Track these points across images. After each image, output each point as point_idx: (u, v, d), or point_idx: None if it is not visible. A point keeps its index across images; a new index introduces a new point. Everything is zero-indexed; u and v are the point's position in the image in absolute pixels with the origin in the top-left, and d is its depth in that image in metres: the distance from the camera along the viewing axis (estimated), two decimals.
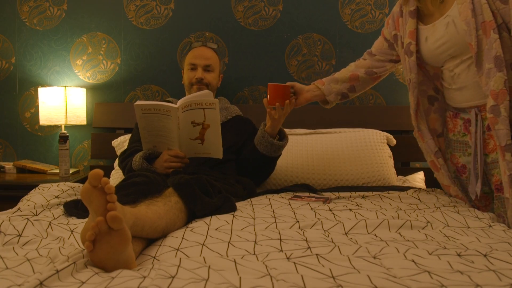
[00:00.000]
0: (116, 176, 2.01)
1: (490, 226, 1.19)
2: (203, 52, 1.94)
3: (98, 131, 2.39)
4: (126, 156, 1.73)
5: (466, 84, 1.40)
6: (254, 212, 1.35)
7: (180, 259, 0.86)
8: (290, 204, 1.45)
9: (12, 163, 2.31)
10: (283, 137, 1.72)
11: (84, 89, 2.34)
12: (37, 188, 1.59)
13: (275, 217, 1.27)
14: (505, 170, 1.30)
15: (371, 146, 2.01)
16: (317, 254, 0.92)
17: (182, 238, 1.04)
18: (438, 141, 1.57)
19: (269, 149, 1.68)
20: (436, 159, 1.52)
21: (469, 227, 1.18)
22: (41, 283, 0.75)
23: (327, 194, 1.62)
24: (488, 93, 1.30)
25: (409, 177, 2.12)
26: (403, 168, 2.28)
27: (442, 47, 1.41)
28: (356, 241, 1.05)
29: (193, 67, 1.92)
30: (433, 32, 1.42)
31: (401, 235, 1.09)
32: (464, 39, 1.33)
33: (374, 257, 0.91)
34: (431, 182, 2.24)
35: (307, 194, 1.63)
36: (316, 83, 1.70)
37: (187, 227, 1.15)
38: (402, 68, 2.32)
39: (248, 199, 1.59)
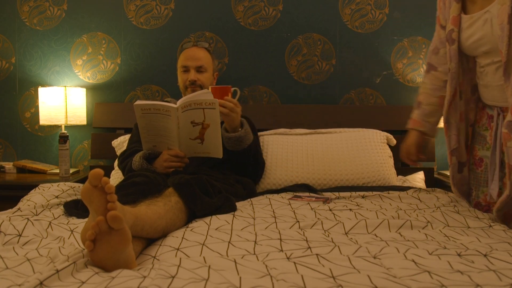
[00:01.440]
0: (116, 176, 2.01)
1: (490, 226, 1.19)
2: (194, 53, 1.92)
3: (98, 131, 2.39)
4: (126, 157, 1.73)
5: (491, 84, 1.36)
6: (254, 212, 1.35)
7: (180, 259, 0.86)
8: (290, 204, 1.45)
9: (12, 163, 2.31)
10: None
11: (84, 89, 2.34)
12: (37, 188, 1.59)
13: (275, 217, 1.27)
14: (508, 188, 1.25)
15: (371, 146, 2.01)
16: (317, 254, 0.92)
17: (182, 238, 1.04)
18: (472, 131, 1.50)
19: (231, 143, 1.68)
20: (450, 156, 1.47)
21: (469, 227, 1.18)
22: (41, 283, 0.75)
23: (327, 194, 1.62)
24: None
25: (409, 177, 2.12)
26: (403, 168, 2.28)
27: (477, 42, 1.33)
28: (356, 241, 1.05)
29: (186, 69, 1.90)
30: (470, 24, 1.34)
31: (401, 235, 1.09)
32: (497, 43, 1.25)
33: (374, 257, 0.91)
34: (431, 182, 2.25)
35: (307, 194, 1.63)
36: (415, 128, 1.57)
37: (187, 227, 1.15)
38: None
39: (248, 199, 1.59)
